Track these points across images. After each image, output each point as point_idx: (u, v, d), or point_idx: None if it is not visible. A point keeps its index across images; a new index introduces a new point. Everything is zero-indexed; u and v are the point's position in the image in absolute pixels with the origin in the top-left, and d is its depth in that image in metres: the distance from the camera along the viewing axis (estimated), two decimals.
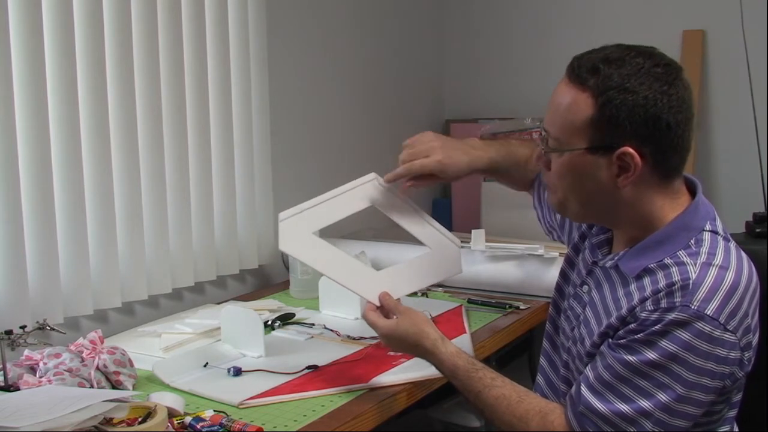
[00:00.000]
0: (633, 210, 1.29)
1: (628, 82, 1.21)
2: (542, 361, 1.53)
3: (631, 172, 1.24)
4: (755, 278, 1.27)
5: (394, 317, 1.47)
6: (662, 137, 1.23)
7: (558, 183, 1.32)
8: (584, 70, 1.25)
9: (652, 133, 1.22)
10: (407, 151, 1.61)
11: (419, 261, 1.61)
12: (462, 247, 1.66)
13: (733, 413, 1.34)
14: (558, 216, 1.63)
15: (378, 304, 1.50)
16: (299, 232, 1.52)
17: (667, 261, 1.25)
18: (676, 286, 1.21)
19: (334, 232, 1.52)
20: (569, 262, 1.51)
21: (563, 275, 1.51)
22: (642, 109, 1.21)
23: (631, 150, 1.22)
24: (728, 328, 1.20)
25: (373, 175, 1.60)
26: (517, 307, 2.02)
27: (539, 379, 1.52)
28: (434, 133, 1.64)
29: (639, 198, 1.28)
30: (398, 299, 1.51)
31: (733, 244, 1.29)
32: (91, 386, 1.44)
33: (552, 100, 1.30)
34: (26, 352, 1.50)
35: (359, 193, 1.58)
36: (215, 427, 1.32)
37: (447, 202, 3.00)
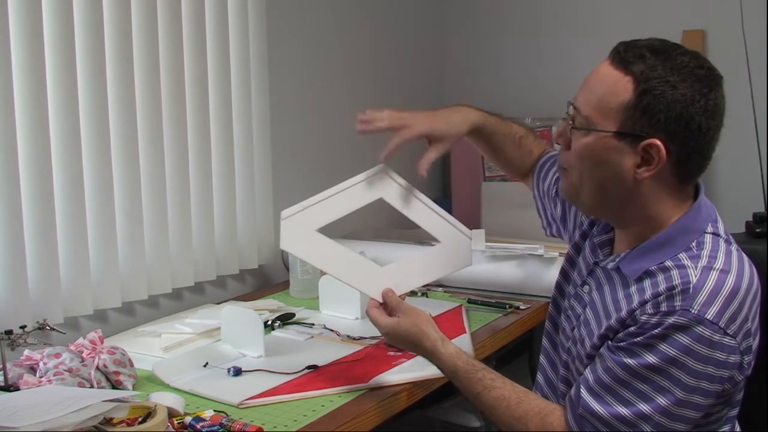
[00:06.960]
0: (643, 208, 1.28)
1: (672, 76, 1.21)
2: (542, 360, 1.52)
3: (653, 166, 1.24)
4: (756, 281, 1.27)
5: (397, 315, 1.46)
6: (691, 138, 1.23)
7: (576, 164, 1.31)
8: (631, 54, 1.24)
9: (683, 131, 1.22)
10: (390, 115, 1.55)
11: (428, 254, 1.58)
12: None
13: (734, 413, 1.33)
14: (559, 209, 1.62)
15: (381, 300, 1.50)
16: (302, 230, 1.48)
17: (668, 263, 1.25)
18: (676, 290, 1.21)
19: (333, 232, 1.51)
20: (570, 261, 1.50)
21: (563, 274, 1.50)
22: (679, 105, 1.21)
23: (659, 143, 1.22)
24: (728, 332, 1.19)
25: (382, 166, 1.55)
26: (517, 307, 2.02)
27: (539, 377, 1.52)
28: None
29: (652, 195, 1.27)
30: (403, 296, 1.51)
31: (734, 247, 1.29)
32: (91, 386, 1.44)
33: (590, 79, 1.29)
34: (26, 352, 1.50)
35: (367, 185, 1.53)
36: (215, 427, 1.32)
37: (447, 202, 2.99)
